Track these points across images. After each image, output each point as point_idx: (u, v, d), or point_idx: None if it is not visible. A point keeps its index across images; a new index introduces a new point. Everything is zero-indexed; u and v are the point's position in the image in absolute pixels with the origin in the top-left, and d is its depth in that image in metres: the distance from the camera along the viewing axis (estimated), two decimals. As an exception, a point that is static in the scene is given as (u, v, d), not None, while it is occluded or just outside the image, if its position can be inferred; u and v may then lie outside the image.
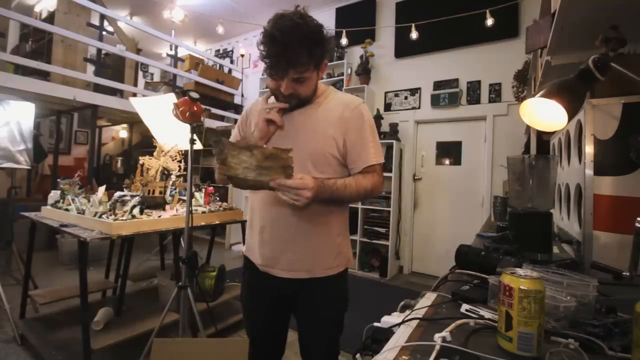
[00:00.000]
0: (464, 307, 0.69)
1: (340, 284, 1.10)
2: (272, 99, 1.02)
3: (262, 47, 0.88)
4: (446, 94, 3.96)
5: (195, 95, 1.62)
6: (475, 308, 0.68)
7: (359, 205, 4.10)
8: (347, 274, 1.13)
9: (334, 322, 1.10)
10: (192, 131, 1.66)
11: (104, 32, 4.47)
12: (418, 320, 0.64)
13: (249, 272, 1.13)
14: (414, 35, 3.85)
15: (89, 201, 1.95)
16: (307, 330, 1.10)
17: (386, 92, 4.43)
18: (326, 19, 4.88)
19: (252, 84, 5.78)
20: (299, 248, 1.02)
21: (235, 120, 5.73)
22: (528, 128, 2.74)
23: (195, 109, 1.61)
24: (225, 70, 5.83)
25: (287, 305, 1.11)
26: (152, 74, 7.05)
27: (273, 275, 1.05)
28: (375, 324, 0.80)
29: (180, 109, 1.59)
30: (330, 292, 1.07)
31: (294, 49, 0.85)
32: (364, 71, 4.37)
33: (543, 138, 2.31)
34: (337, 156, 1.01)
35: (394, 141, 4.02)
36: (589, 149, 1.01)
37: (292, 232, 1.02)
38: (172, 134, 2.17)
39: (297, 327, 1.11)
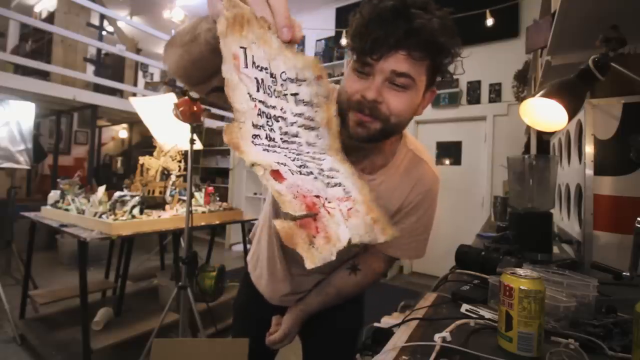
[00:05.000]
0: (464, 307, 0.69)
1: (358, 303, 0.98)
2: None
3: (356, 16, 0.59)
4: (446, 94, 3.96)
5: (195, 95, 1.62)
6: (475, 308, 0.68)
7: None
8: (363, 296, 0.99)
9: (349, 335, 0.95)
10: (192, 131, 1.67)
11: (104, 32, 4.48)
12: (418, 321, 0.64)
13: (246, 290, 0.98)
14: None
15: (88, 201, 1.95)
16: (318, 350, 0.96)
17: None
18: (326, 19, 4.89)
19: (252, 84, 5.78)
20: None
21: (235, 120, 5.71)
22: (528, 128, 2.74)
23: (195, 109, 1.62)
24: (225, 70, 5.82)
25: None
26: (152, 74, 7.05)
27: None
28: (375, 324, 0.80)
29: (181, 109, 1.59)
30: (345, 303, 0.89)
31: (419, 17, 0.55)
32: (364, 71, 4.36)
33: (543, 138, 2.31)
34: None
35: (394, 141, 4.02)
36: (589, 149, 1.01)
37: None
38: (172, 134, 2.18)
39: (304, 348, 0.99)
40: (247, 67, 0.44)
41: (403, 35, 0.55)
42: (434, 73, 0.62)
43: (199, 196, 2.43)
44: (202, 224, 2.16)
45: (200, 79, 0.61)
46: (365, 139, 0.62)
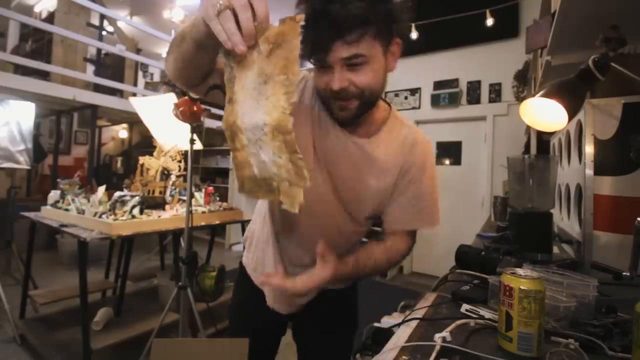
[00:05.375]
0: (464, 307, 0.69)
1: (351, 293, 0.98)
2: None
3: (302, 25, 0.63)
4: (446, 94, 3.96)
5: (195, 95, 1.62)
6: (475, 308, 0.68)
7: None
8: (357, 290, 1.00)
9: (343, 338, 0.96)
10: (192, 131, 1.67)
11: (104, 32, 4.47)
12: (418, 321, 0.64)
13: (243, 290, 0.98)
14: (414, 35, 3.84)
15: (88, 201, 1.95)
16: (312, 353, 0.96)
17: (386, 92, 4.43)
18: (326, 19, 4.88)
19: (252, 84, 5.77)
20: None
21: (235, 120, 5.70)
22: (528, 128, 2.74)
23: (195, 109, 1.61)
24: (225, 70, 5.82)
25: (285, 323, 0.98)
26: (152, 74, 7.05)
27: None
28: (375, 324, 0.80)
29: (181, 109, 1.59)
30: (339, 302, 0.92)
31: (340, 3, 0.60)
32: (364, 71, 4.37)
33: (543, 138, 2.31)
34: (376, 208, 0.81)
35: (394, 141, 4.02)
36: (589, 149, 1.01)
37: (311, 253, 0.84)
38: (172, 134, 2.17)
39: (298, 350, 0.99)
40: None
41: (330, 31, 0.60)
42: (384, 33, 0.64)
43: (199, 196, 2.43)
44: (202, 224, 2.16)
45: (197, 79, 0.65)
46: (352, 117, 0.70)
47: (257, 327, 0.94)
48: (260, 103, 0.53)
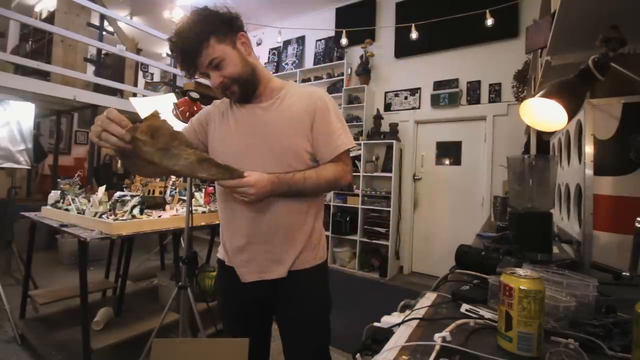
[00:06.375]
0: (464, 307, 0.69)
1: (321, 276, 1.07)
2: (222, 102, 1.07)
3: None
4: (446, 94, 3.96)
5: (195, 95, 1.62)
6: (475, 308, 0.68)
7: (359, 206, 4.10)
8: (326, 268, 1.09)
9: (318, 319, 1.04)
10: (192, 131, 1.66)
11: (104, 32, 4.47)
12: (418, 320, 0.64)
13: (223, 275, 1.08)
14: (414, 35, 3.85)
15: (89, 201, 1.95)
16: (291, 335, 1.04)
17: (386, 92, 4.43)
18: (326, 19, 4.89)
19: (252, 84, 5.77)
20: (275, 245, 0.98)
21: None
22: (528, 128, 2.74)
23: (195, 109, 1.61)
24: (225, 70, 5.81)
25: (266, 307, 1.06)
26: (152, 74, 7.05)
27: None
28: (375, 324, 0.80)
29: (181, 109, 1.59)
30: (312, 284, 1.03)
31: (183, 38, 0.88)
32: (364, 71, 4.37)
33: (543, 138, 2.30)
34: (311, 151, 0.98)
35: (394, 141, 4.02)
36: (589, 149, 1.01)
37: (266, 229, 0.97)
38: (172, 134, 2.17)
39: (281, 335, 1.05)
40: None
41: (188, 57, 0.90)
42: (224, 36, 0.91)
43: (199, 196, 2.43)
44: (202, 224, 2.16)
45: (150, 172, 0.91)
46: (241, 97, 0.97)
47: (245, 300, 1.05)
48: (176, 158, 0.82)
